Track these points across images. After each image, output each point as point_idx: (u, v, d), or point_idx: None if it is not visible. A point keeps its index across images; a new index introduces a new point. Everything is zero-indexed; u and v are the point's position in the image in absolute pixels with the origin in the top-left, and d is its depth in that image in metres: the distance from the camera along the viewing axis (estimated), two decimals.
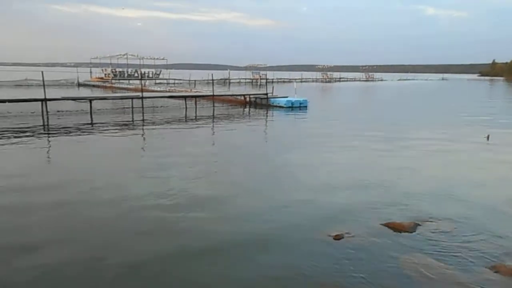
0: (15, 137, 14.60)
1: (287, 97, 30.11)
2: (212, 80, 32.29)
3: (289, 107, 27.79)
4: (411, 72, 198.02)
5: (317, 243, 6.20)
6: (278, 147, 14.32)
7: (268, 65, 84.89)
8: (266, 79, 50.73)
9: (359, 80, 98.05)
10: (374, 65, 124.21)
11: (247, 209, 7.69)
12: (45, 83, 20.89)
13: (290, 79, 76.81)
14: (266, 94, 30.31)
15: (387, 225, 6.78)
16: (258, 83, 62.19)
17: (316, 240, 6.27)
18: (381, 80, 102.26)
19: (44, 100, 19.70)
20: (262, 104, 29.42)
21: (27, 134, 15.29)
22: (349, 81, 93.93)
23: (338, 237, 6.30)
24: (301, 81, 77.75)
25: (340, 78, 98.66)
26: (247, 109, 27.56)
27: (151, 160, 11.61)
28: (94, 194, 8.35)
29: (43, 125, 17.71)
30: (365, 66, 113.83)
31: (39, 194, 8.34)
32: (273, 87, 33.62)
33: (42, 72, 21.33)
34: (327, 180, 9.85)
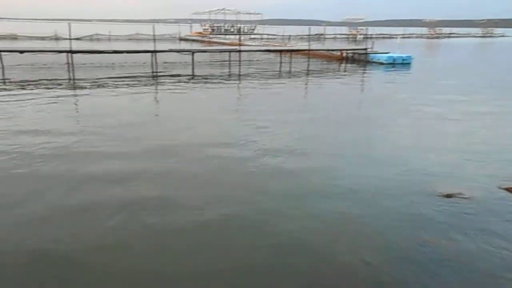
0: (131, 84, 16.11)
1: (388, 53, 27.92)
2: (309, 34, 31.22)
3: (390, 63, 25.79)
4: None
5: (422, 197, 5.84)
6: (375, 103, 13.49)
7: (366, 20, 79.09)
8: (365, 34, 47.64)
9: (474, 36, 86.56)
10: (495, 19, 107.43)
11: (356, 165, 7.46)
12: (152, 37, 22.39)
13: (391, 34, 71.04)
14: (365, 49, 28.51)
15: (509, 189, 6.01)
16: (356, 39, 58.71)
17: (422, 194, 5.91)
18: (502, 36, 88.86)
19: (154, 52, 21.25)
20: (360, 60, 27.78)
21: (140, 82, 16.81)
22: (462, 37, 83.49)
23: (449, 196, 5.81)
24: (404, 37, 71.30)
25: (450, 33, 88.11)
26: (343, 65, 26.34)
27: (248, 115, 11.87)
28: (194, 140, 8.87)
29: (152, 75, 19.18)
30: (483, 20, 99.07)
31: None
32: (373, 42, 31.40)
33: (153, 26, 22.93)
34: (433, 138, 9.06)
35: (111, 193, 5.85)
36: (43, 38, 41.02)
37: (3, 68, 18.32)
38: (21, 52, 20.20)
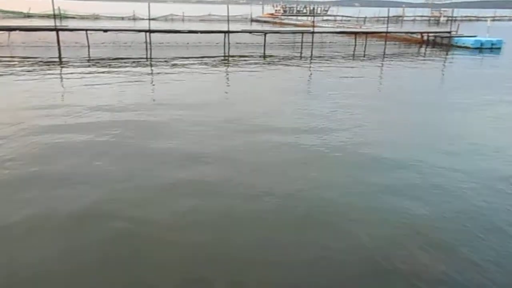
0: (205, 63, 16.52)
1: (475, 36, 25.38)
2: (388, 16, 29.31)
3: (477, 48, 23.46)
4: None
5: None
6: (456, 92, 12.31)
7: (452, 1, 72.59)
8: (450, 16, 43.76)
9: None
10: None
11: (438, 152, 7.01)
12: (224, 18, 22.49)
13: (479, 16, 64.67)
14: (449, 32, 26.19)
15: None
16: (438, 21, 54.29)
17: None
18: None
19: (227, 32, 21.44)
20: (443, 43, 25.57)
21: (213, 61, 17.15)
22: None
23: None
24: (494, 19, 64.37)
25: None
26: (423, 49, 24.45)
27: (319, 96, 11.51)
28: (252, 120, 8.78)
29: (225, 55, 19.44)
30: None
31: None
32: (458, 25, 28.73)
33: (227, 6, 23.03)
34: None
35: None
36: (122, 18, 43.58)
37: (88, 46, 19.58)
38: (105, 31, 21.49)
